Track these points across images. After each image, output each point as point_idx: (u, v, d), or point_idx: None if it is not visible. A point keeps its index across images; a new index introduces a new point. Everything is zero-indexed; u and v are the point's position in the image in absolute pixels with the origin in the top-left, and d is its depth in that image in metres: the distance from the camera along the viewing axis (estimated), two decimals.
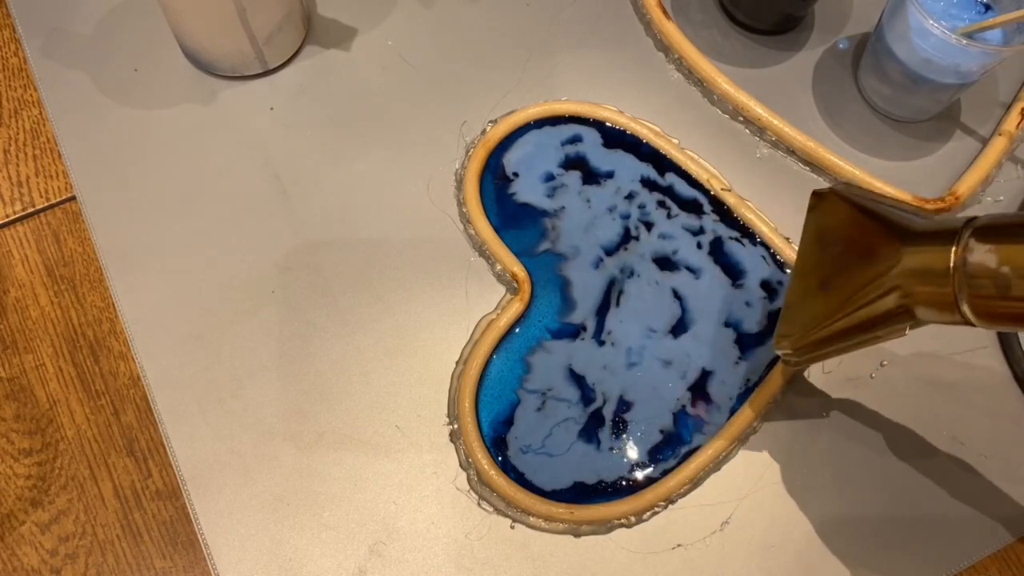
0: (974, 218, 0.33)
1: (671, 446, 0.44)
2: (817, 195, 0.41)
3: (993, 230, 0.32)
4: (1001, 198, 0.51)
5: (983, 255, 0.31)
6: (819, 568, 0.42)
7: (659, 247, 0.48)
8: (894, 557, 0.43)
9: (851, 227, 0.38)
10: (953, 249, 0.32)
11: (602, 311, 0.47)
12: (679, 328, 0.47)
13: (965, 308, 0.32)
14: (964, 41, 0.44)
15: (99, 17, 0.53)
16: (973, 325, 0.33)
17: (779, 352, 0.41)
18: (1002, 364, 0.47)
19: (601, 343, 0.46)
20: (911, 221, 0.36)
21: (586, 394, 0.45)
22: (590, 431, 0.44)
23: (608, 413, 0.45)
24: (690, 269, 0.48)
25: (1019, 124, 0.52)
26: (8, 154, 0.59)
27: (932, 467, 0.45)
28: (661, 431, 0.45)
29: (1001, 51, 0.45)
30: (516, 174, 0.50)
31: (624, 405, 0.45)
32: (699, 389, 0.46)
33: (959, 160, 0.52)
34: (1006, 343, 0.47)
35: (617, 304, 0.47)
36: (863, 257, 0.36)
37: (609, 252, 0.48)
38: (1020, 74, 0.54)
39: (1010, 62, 0.54)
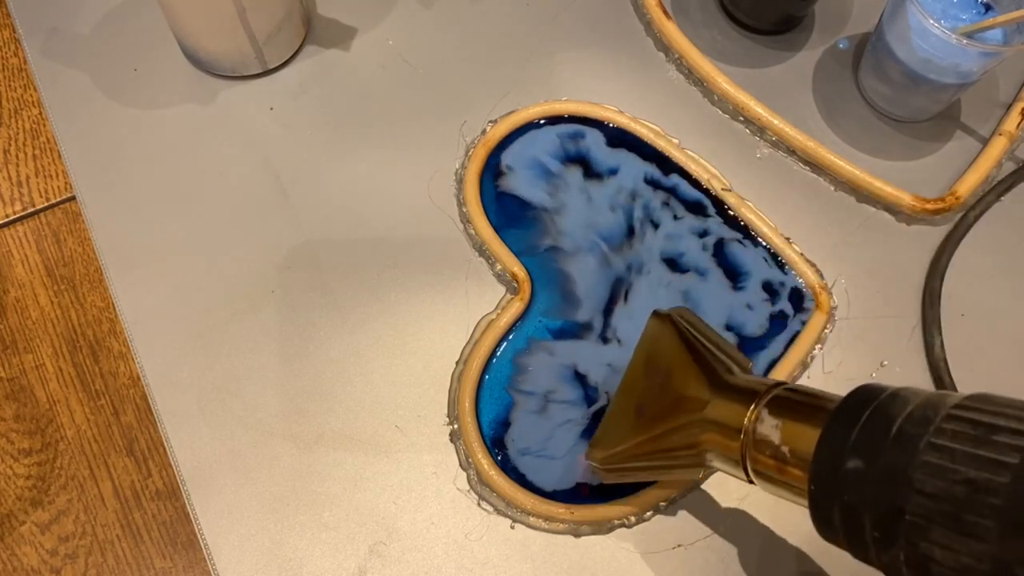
0: (778, 384, 0.34)
1: None
2: (656, 316, 0.41)
3: (785, 404, 0.33)
4: (1003, 198, 0.51)
5: (769, 429, 0.33)
6: (819, 568, 0.42)
7: (667, 247, 0.48)
8: None
9: (674, 361, 0.39)
10: (748, 413, 0.34)
11: (609, 308, 0.47)
12: None
13: (748, 468, 0.34)
14: (964, 41, 0.44)
15: (99, 17, 0.53)
16: (753, 483, 0.34)
17: (589, 461, 0.41)
18: None
19: (606, 341, 0.46)
20: (726, 371, 0.37)
21: (588, 394, 0.45)
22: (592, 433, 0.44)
23: None
24: (698, 271, 0.48)
25: (1019, 124, 0.52)
26: (8, 154, 0.59)
27: None
28: None
29: (1001, 51, 0.45)
30: (517, 173, 0.50)
31: None
32: None
33: (959, 160, 0.52)
34: None
35: (625, 301, 0.47)
36: (676, 396, 0.38)
37: (613, 248, 0.48)
38: (1020, 74, 0.54)
39: (1010, 62, 0.54)
